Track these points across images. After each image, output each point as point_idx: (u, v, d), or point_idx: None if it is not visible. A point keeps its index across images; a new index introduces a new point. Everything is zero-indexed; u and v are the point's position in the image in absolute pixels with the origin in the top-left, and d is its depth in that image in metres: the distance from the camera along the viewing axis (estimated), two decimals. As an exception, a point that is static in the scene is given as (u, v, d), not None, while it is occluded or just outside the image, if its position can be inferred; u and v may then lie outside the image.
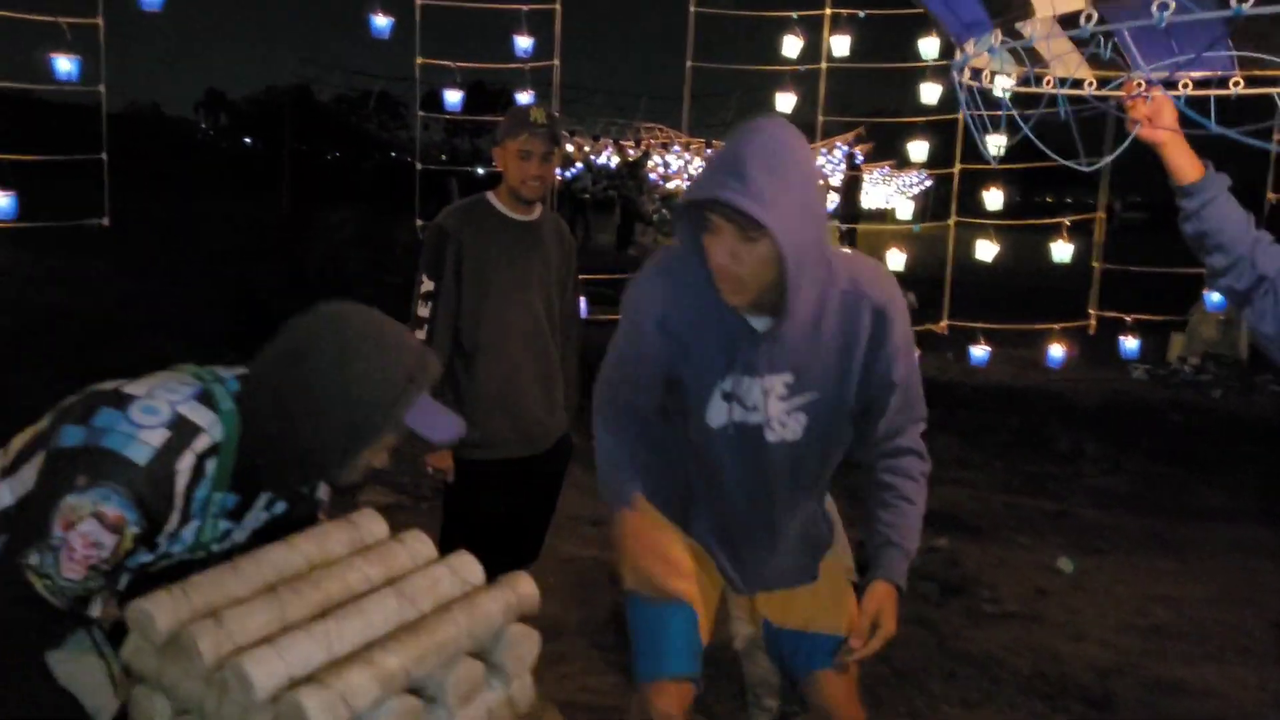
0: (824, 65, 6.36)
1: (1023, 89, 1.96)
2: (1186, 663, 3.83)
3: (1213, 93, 1.83)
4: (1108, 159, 1.80)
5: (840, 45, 6.27)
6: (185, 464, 1.51)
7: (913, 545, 1.95)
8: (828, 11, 6.20)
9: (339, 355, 1.50)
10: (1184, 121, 1.76)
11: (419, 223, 6.21)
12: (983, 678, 3.65)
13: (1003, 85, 1.93)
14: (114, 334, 8.12)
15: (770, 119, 1.71)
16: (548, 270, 3.14)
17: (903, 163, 17.58)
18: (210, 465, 1.54)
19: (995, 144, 2.15)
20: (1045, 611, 4.28)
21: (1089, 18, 1.64)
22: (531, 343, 3.10)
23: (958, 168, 6.39)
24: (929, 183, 26.83)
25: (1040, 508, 5.75)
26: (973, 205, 6.52)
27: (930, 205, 23.86)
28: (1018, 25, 1.75)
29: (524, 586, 1.69)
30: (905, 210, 10.52)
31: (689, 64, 6.48)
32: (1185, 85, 1.79)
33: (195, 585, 1.48)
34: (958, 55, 1.95)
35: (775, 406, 1.86)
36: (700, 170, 1.69)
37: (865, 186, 28.93)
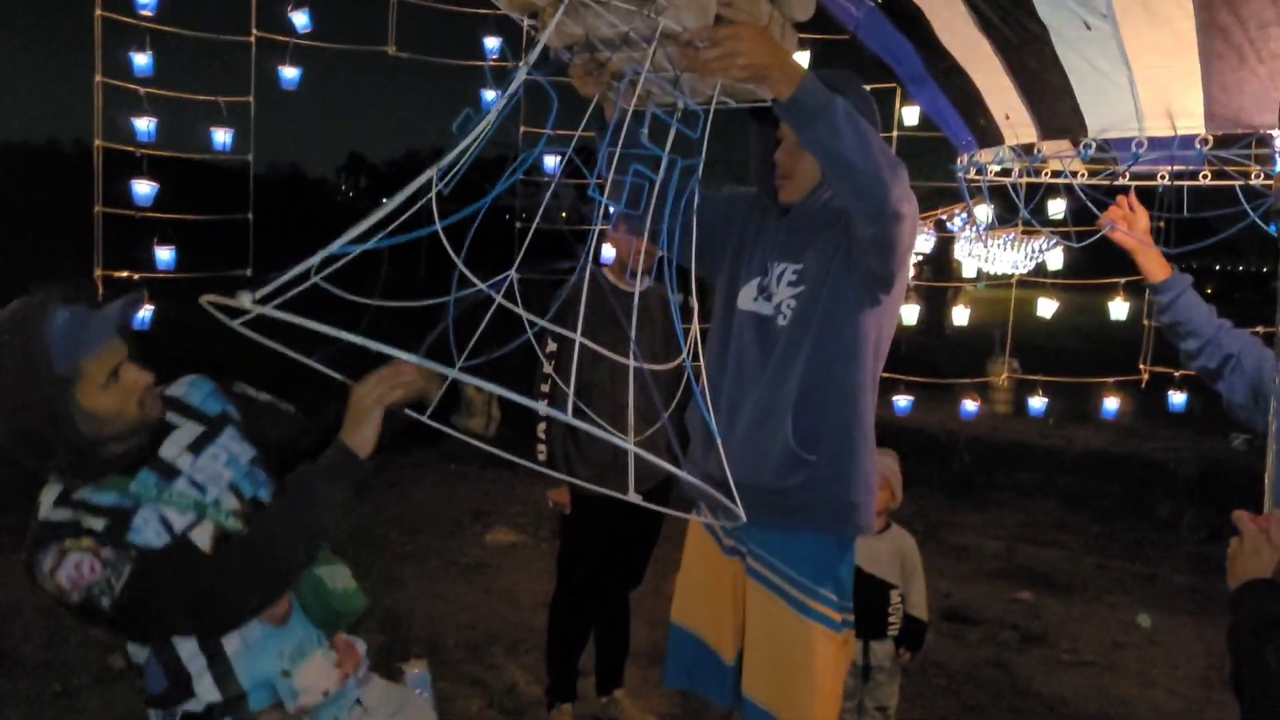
0: (895, 134, 6.55)
1: (1025, 180, 2.36)
2: (1254, 715, 3.98)
3: (1186, 183, 2.20)
4: (1089, 241, 2.19)
5: (911, 115, 6.41)
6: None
7: (835, 115, 1.75)
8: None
9: None
10: (1163, 205, 2.13)
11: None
12: (1049, 714, 3.90)
13: (993, 172, 2.35)
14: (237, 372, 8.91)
15: None
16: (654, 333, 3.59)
17: (1037, 227, 17.38)
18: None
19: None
20: (1120, 662, 4.48)
21: (1088, 145, 2.05)
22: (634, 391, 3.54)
23: (1020, 228, 6.60)
24: (1060, 246, 26.09)
25: (1133, 570, 5.88)
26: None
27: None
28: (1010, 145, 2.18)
29: None
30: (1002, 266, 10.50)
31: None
32: (1163, 176, 2.16)
33: None
34: (959, 161, 2.39)
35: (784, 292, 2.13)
36: None
37: (993, 253, 28.51)
